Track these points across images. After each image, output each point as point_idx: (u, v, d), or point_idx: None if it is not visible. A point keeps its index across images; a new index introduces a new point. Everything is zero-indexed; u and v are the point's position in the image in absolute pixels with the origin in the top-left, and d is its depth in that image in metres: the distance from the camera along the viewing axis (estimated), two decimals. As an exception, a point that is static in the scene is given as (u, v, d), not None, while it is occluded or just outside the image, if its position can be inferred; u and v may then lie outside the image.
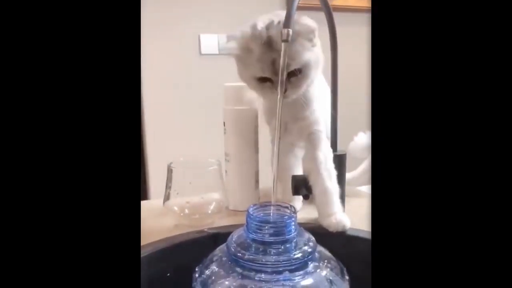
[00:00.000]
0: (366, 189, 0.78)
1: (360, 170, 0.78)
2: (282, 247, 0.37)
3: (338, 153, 0.62)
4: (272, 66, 0.52)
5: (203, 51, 1.94)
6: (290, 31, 0.47)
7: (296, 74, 0.53)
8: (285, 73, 0.49)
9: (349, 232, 0.56)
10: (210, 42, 1.95)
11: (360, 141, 0.75)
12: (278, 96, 0.48)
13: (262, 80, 0.54)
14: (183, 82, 1.90)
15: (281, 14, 0.53)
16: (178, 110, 1.92)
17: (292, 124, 0.61)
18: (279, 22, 0.52)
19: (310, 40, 0.54)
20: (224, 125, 0.67)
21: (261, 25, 0.52)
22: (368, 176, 0.77)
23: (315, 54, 0.55)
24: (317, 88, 0.61)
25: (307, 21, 0.53)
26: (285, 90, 0.53)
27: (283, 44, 0.47)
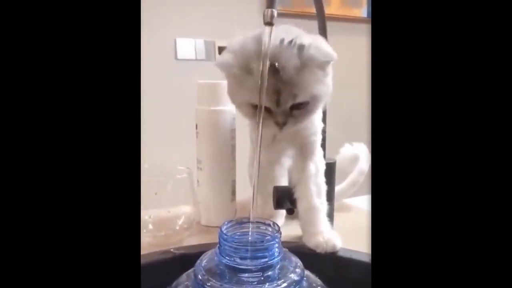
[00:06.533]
0: (354, 201, 0.74)
1: (348, 183, 0.75)
2: (263, 275, 0.34)
3: (327, 161, 0.59)
4: (275, 96, 0.45)
5: (179, 56, 1.93)
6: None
7: (301, 108, 0.47)
8: (265, 81, 0.41)
9: (340, 253, 0.52)
10: (187, 47, 1.95)
11: (347, 153, 0.73)
12: (258, 123, 0.41)
13: None
14: (158, 87, 1.88)
15: (292, 31, 0.46)
16: (150, 115, 1.89)
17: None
18: (291, 42, 0.44)
19: (323, 68, 0.47)
20: (196, 128, 0.63)
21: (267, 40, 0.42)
22: (355, 189, 0.75)
23: (326, 86, 0.48)
24: None
25: (324, 45, 0.47)
26: (284, 124, 0.47)
27: (266, 28, 0.41)
